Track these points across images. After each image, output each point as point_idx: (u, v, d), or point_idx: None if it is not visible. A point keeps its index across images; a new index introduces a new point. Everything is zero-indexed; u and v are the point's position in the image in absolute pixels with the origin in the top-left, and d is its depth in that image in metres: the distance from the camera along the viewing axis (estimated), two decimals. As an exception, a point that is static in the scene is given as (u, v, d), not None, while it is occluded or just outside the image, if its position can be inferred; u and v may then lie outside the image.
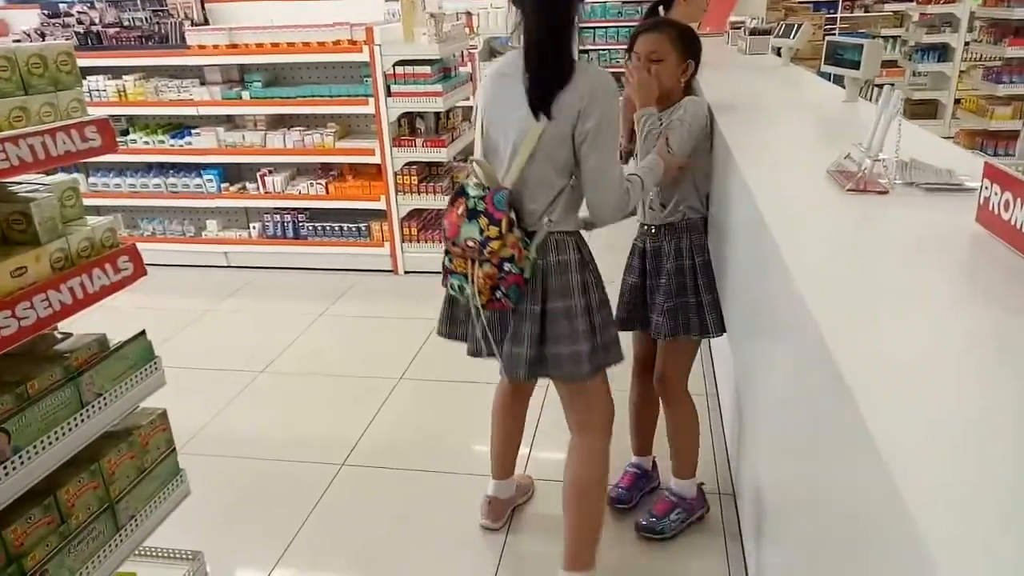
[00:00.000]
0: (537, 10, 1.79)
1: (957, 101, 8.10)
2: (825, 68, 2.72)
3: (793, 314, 1.10)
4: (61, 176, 1.86)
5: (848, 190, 1.49)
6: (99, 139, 1.79)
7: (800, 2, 9.71)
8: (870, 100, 2.86)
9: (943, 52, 8.29)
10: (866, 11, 10.02)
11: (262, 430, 3.17)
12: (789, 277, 1.12)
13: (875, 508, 0.74)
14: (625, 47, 2.26)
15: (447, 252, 1.97)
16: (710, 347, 3.52)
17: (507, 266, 1.84)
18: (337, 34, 4.54)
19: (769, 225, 1.33)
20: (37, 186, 1.77)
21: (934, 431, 0.75)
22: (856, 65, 2.46)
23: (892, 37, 8.73)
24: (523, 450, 2.64)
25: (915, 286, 1.10)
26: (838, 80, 2.82)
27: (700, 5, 3.37)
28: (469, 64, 6.35)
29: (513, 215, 1.86)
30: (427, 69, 4.50)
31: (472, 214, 1.84)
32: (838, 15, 10.78)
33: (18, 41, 4.75)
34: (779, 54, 3.90)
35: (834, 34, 10.33)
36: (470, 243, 1.85)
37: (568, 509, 2.13)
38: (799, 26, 3.67)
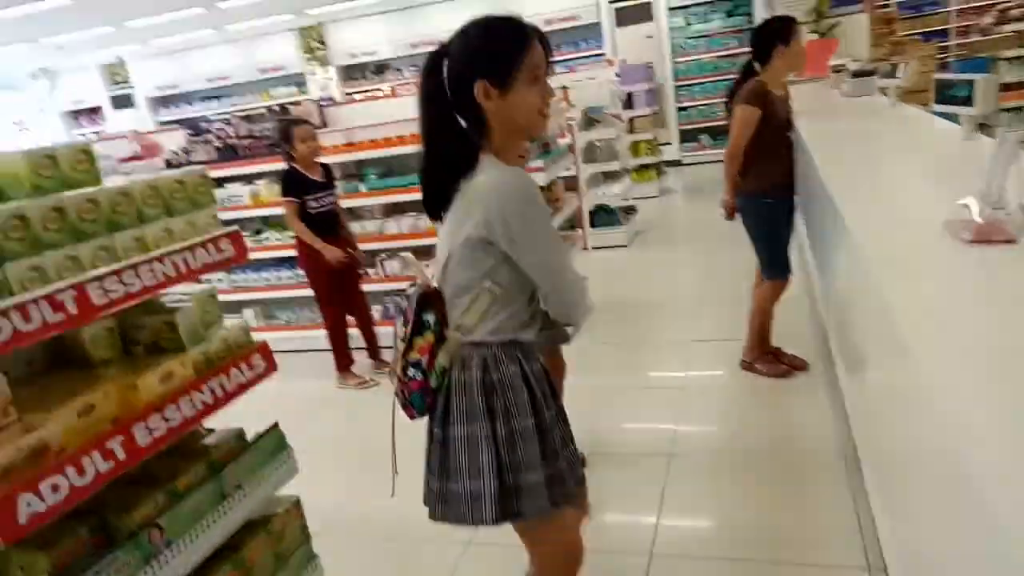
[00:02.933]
0: (425, 98, 1.61)
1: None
2: (937, 107, 2.59)
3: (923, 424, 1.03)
4: (200, 285, 2.06)
5: (970, 242, 1.40)
6: (231, 249, 1.98)
7: (908, 35, 9.33)
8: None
9: (1079, 66, 7.66)
10: (983, 34, 9.46)
11: (395, 510, 3.24)
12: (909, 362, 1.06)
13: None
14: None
15: None
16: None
17: (411, 371, 1.66)
18: (442, 123, 4.79)
19: (879, 284, 1.26)
20: (180, 296, 1.97)
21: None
22: (968, 101, 2.33)
23: (1017, 58, 8.17)
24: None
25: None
26: (955, 115, 2.67)
27: (799, 56, 3.33)
28: (569, 135, 6.51)
29: (431, 317, 1.66)
30: (528, 146, 4.66)
31: (396, 311, 1.74)
32: (951, 43, 10.25)
33: (168, 161, 5.36)
34: (886, 94, 3.75)
35: (947, 65, 9.84)
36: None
37: None
38: (905, 64, 3.53)
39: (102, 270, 1.61)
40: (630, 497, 2.93)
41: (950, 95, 2.48)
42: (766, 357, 3.75)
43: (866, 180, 2.13)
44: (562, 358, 2.98)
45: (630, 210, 7.22)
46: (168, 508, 1.70)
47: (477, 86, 1.49)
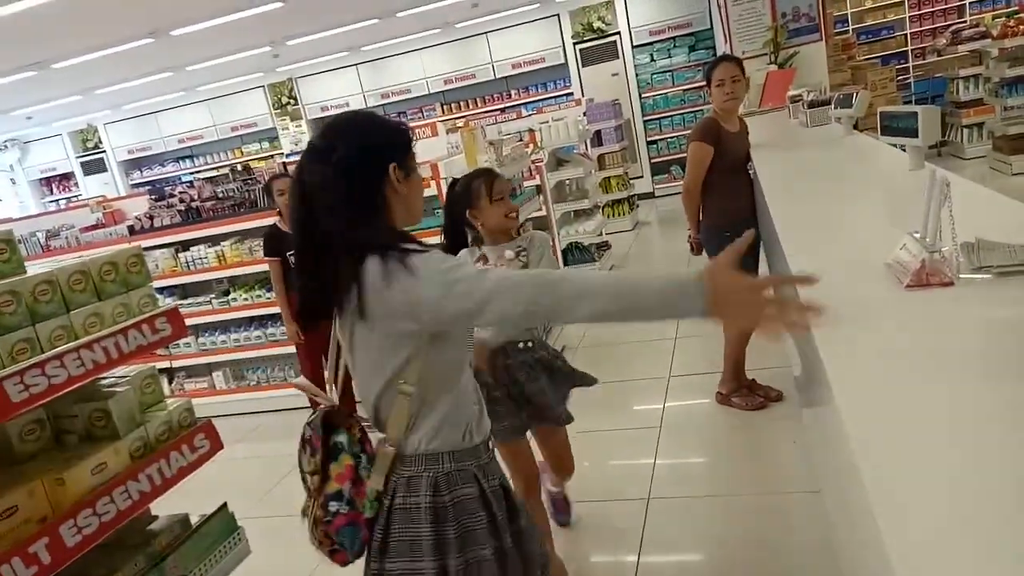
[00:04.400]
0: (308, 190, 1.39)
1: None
2: (884, 138, 2.59)
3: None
4: (138, 366, 1.99)
5: (907, 286, 1.37)
6: (169, 328, 1.93)
7: (867, 59, 9.52)
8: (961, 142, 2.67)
9: (1033, 81, 7.81)
10: (939, 55, 9.68)
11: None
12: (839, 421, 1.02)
13: None
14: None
15: None
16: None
17: (332, 505, 1.39)
18: (405, 174, 4.78)
19: (813, 333, 1.22)
20: (116, 379, 1.90)
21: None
22: (914, 133, 2.33)
23: (972, 76, 8.34)
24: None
25: (986, 412, 0.96)
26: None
27: (719, 96, 3.35)
28: (537, 176, 6.53)
29: (342, 438, 1.44)
30: (492, 193, 4.65)
31: (301, 445, 1.48)
32: (910, 64, 10.47)
33: (131, 227, 5.30)
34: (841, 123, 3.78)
35: (908, 85, 10.01)
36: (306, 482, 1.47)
37: None
38: (856, 94, 3.56)
39: (21, 364, 1.54)
40: (608, 539, 2.89)
41: (896, 126, 2.49)
42: (742, 391, 3.70)
43: (814, 216, 2.12)
44: (565, 439, 2.66)
45: (604, 246, 7.23)
46: (103, 608, 1.62)
47: (391, 168, 1.40)
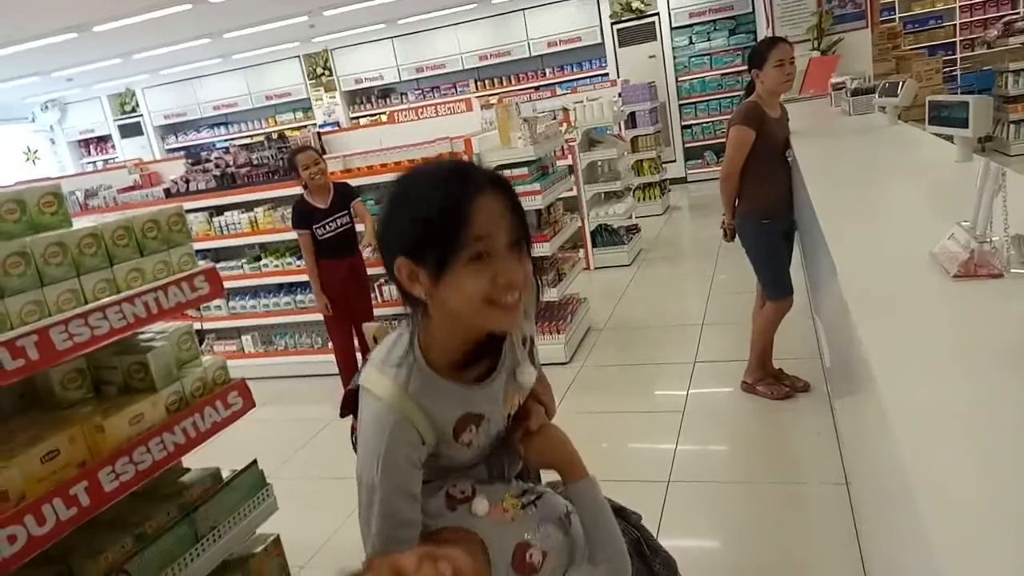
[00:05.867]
0: None
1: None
2: (931, 128, 2.53)
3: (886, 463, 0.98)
4: (177, 323, 2.03)
5: (955, 276, 1.34)
6: (207, 287, 1.96)
7: (912, 49, 9.27)
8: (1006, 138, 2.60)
9: (1087, 78, 7.58)
10: (989, 47, 9.39)
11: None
12: (880, 402, 1.01)
13: None
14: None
15: None
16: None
17: None
18: (439, 149, 4.79)
19: (856, 323, 1.21)
20: (154, 335, 1.94)
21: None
22: (964, 123, 2.27)
23: (1022, 70, 8.09)
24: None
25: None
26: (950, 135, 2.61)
27: (776, 79, 3.28)
28: (569, 156, 6.49)
29: None
30: (524, 170, 4.63)
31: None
32: (957, 56, 10.19)
33: (167, 190, 5.38)
34: (885, 112, 3.70)
35: (955, 78, 9.75)
36: None
37: None
38: (903, 82, 3.47)
39: (67, 314, 1.58)
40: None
41: (944, 116, 2.43)
42: (767, 380, 3.68)
43: (856, 205, 2.08)
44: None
45: (633, 229, 7.18)
46: (137, 552, 1.66)
47: (397, 264, 1.08)
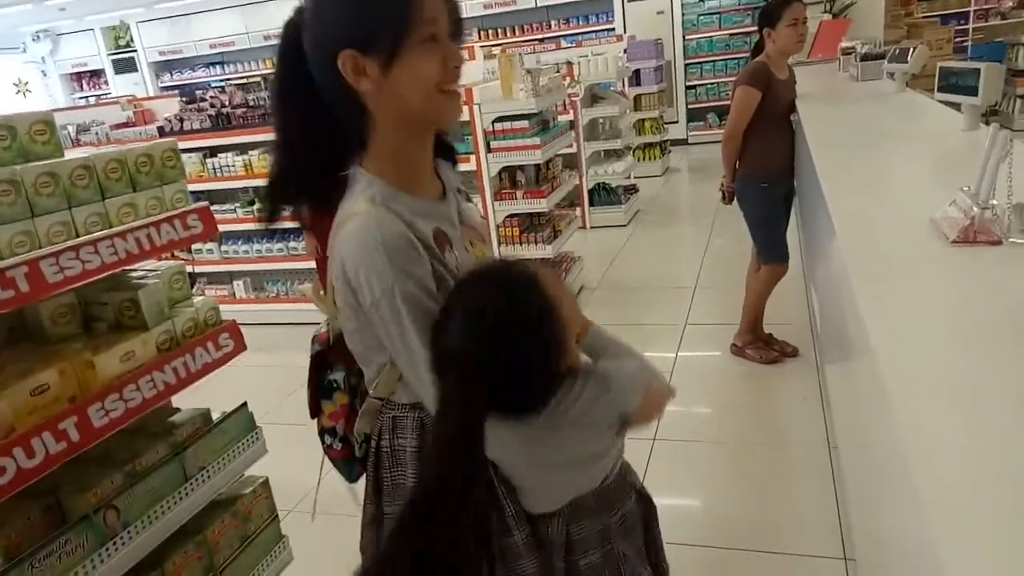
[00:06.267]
0: (279, 92, 1.14)
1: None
2: (939, 96, 2.50)
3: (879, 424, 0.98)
4: (169, 261, 2.01)
5: (953, 242, 1.33)
6: (200, 226, 1.93)
7: (925, 16, 9.11)
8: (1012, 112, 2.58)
9: (1099, 54, 7.48)
10: (1003, 18, 9.24)
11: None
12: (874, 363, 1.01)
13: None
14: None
15: None
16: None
17: (327, 438, 1.38)
18: (439, 95, 4.70)
19: (852, 284, 1.20)
20: (146, 272, 1.92)
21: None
22: (973, 91, 2.23)
23: (1035, 43, 7.99)
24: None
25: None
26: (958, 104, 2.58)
27: (788, 39, 3.23)
28: (571, 112, 6.39)
29: (338, 376, 1.34)
30: (525, 123, 4.56)
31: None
32: (970, 26, 10.01)
33: (160, 127, 5.28)
34: (894, 79, 3.65)
35: (965, 49, 9.61)
36: None
37: None
38: (913, 49, 3.42)
39: (58, 246, 1.56)
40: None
41: (954, 83, 2.39)
42: (757, 344, 3.70)
43: (859, 169, 2.06)
44: None
45: (631, 189, 7.13)
46: (126, 489, 1.67)
47: (342, 59, 1.02)
